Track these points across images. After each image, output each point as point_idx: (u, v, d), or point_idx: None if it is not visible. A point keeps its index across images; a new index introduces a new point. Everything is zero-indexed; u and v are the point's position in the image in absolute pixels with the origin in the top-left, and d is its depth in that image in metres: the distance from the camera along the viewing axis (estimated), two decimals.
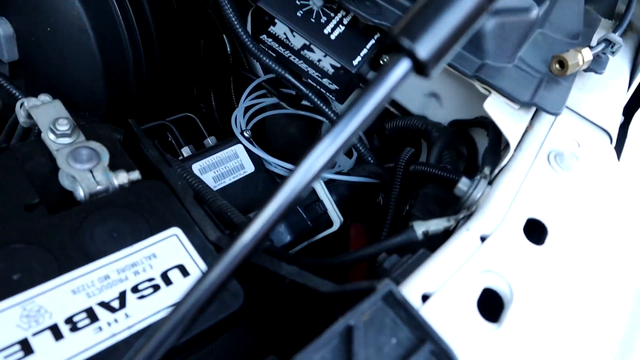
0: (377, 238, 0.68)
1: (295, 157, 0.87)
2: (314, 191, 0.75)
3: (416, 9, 0.32)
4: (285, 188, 0.32)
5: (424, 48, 0.31)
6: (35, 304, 0.44)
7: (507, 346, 0.42)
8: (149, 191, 0.55)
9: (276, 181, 0.88)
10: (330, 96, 0.74)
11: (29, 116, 0.62)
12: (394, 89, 0.32)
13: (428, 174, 0.66)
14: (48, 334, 0.42)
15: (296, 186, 0.32)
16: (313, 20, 0.67)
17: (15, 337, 0.41)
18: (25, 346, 0.41)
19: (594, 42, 0.70)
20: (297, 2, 0.68)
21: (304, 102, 0.96)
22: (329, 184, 0.77)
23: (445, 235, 0.54)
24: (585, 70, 0.67)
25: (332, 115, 0.77)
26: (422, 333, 0.38)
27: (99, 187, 0.54)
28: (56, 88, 0.86)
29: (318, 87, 0.74)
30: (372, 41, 0.67)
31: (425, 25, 0.31)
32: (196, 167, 0.82)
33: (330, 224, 0.75)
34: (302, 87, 0.75)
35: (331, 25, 0.67)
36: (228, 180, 0.83)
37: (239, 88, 1.10)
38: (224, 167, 0.83)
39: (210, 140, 0.91)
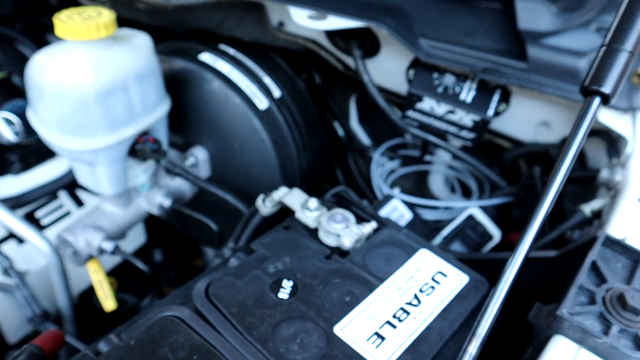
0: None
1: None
2: (472, 217, 0.98)
3: (595, 67, 0.56)
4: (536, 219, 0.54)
5: (608, 88, 0.55)
6: (369, 311, 0.66)
7: None
8: (394, 232, 0.78)
9: (427, 222, 1.11)
10: (467, 144, 0.99)
11: (274, 206, 0.87)
12: (594, 119, 0.56)
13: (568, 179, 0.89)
14: (387, 327, 0.64)
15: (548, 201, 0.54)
16: (450, 92, 0.93)
17: (371, 331, 0.63)
18: (379, 336, 0.63)
19: None
20: (434, 81, 0.94)
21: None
22: (482, 208, 0.99)
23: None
24: None
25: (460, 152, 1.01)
26: (636, 256, 0.60)
27: (356, 237, 0.77)
28: (241, 190, 1.11)
29: (456, 138, 0.99)
30: (496, 95, 0.92)
31: (605, 75, 0.55)
32: None
33: (490, 237, 0.98)
34: (440, 142, 1.00)
35: (465, 91, 0.93)
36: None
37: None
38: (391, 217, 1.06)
39: (366, 202, 1.16)
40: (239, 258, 0.72)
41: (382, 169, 1.26)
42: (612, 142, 0.85)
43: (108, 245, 0.93)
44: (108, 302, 1.01)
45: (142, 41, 0.94)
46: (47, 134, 0.90)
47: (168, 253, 1.54)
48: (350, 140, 1.38)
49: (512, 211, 1.06)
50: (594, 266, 0.59)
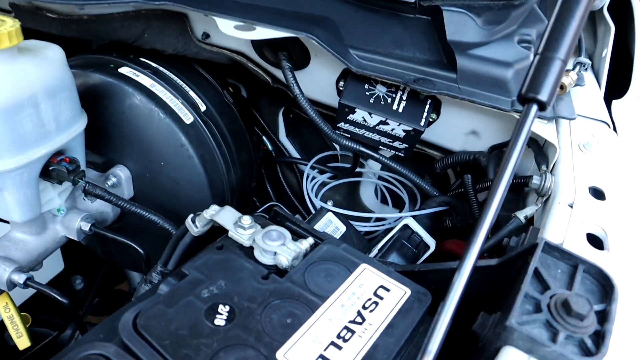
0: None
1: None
2: (408, 227, 0.97)
3: (531, 75, 0.56)
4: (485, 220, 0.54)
5: (544, 95, 0.55)
6: (312, 332, 0.63)
7: (617, 266, 0.65)
8: (333, 247, 0.75)
9: (361, 234, 1.09)
10: (399, 154, 0.98)
11: (205, 225, 0.82)
12: (532, 124, 0.56)
13: None
14: (332, 348, 0.61)
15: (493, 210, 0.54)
16: (382, 103, 0.92)
17: (315, 354, 0.60)
18: (324, 358, 0.60)
19: (571, 67, 0.98)
20: (366, 92, 0.92)
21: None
22: (415, 218, 0.99)
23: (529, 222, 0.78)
24: (574, 86, 0.94)
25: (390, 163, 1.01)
26: (574, 261, 0.60)
27: (294, 254, 0.74)
28: (168, 210, 1.05)
29: (388, 149, 0.98)
30: (427, 105, 0.92)
31: (541, 83, 0.55)
32: None
33: (427, 247, 0.97)
34: (373, 154, 0.99)
35: (396, 102, 0.92)
36: None
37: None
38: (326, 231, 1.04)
39: (299, 217, 1.13)
40: (169, 284, 0.67)
41: (313, 182, 1.24)
42: (540, 150, 0.87)
43: (20, 278, 0.84)
44: (21, 340, 0.91)
45: (52, 53, 0.87)
46: None
47: (89, 279, 1.43)
48: (279, 154, 1.35)
49: (445, 220, 1.06)
50: (537, 273, 0.59)
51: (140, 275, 1.46)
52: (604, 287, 0.59)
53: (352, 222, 1.07)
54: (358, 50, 0.90)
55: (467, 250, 0.52)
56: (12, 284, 0.85)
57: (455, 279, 0.52)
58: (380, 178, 1.30)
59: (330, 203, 1.17)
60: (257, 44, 1.00)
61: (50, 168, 0.86)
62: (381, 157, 0.98)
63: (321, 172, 1.29)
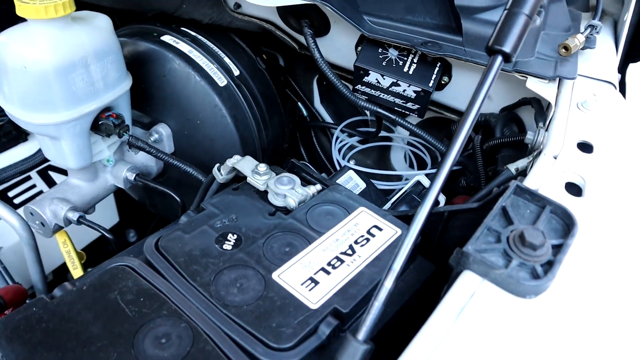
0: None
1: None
2: (420, 183, 1.04)
3: (497, 28, 0.62)
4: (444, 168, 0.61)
5: (508, 47, 0.61)
6: (306, 259, 0.72)
7: (590, 211, 0.70)
8: (336, 193, 0.84)
9: (380, 191, 1.17)
10: (413, 114, 1.05)
11: (228, 173, 0.92)
12: (496, 75, 0.62)
13: (500, 144, 0.95)
14: (322, 273, 0.70)
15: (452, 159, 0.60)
16: (394, 65, 0.99)
17: (306, 276, 0.69)
18: (313, 280, 0.69)
19: (582, 30, 1.00)
20: (379, 56, 1.00)
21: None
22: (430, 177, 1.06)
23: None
24: (583, 49, 0.97)
25: (410, 126, 1.07)
26: (543, 202, 0.66)
27: (301, 197, 0.83)
28: (204, 165, 1.16)
29: (402, 110, 1.05)
30: (437, 68, 0.99)
31: (506, 36, 0.61)
32: None
33: (437, 202, 1.04)
34: (390, 115, 1.06)
35: (407, 64, 0.99)
36: None
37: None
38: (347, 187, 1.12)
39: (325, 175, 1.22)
40: (188, 216, 0.78)
41: (342, 145, 1.32)
42: (540, 109, 0.92)
43: (74, 216, 0.98)
44: (76, 271, 1.06)
45: (101, 21, 0.99)
46: (12, 110, 0.94)
47: (141, 232, 1.59)
48: (313, 120, 1.44)
49: (460, 180, 1.12)
50: (504, 211, 0.65)
51: None
52: (568, 226, 0.65)
53: (375, 182, 1.14)
54: (371, 16, 0.97)
55: (434, 179, 0.60)
56: (67, 221, 1.00)
57: (420, 206, 0.59)
58: (407, 143, 1.37)
59: (352, 162, 1.25)
60: (282, 12, 1.09)
61: (100, 122, 0.99)
62: (400, 120, 1.05)
63: (351, 137, 1.37)
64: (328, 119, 1.46)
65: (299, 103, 1.43)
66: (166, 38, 1.14)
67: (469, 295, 0.59)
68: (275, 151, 1.27)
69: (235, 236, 0.74)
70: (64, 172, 1.36)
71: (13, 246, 1.19)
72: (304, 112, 1.43)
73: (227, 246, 0.72)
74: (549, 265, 0.60)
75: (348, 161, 1.32)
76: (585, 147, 0.79)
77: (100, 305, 0.63)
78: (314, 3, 0.95)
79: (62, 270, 1.31)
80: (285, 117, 1.29)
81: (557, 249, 0.62)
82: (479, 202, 0.86)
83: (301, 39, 1.17)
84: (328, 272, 0.70)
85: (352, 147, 1.36)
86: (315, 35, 1.07)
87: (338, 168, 1.27)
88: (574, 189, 0.73)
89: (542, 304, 0.57)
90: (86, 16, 0.98)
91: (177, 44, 1.13)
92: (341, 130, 1.34)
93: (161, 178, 1.23)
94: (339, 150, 1.29)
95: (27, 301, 0.76)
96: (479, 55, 0.92)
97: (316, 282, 0.68)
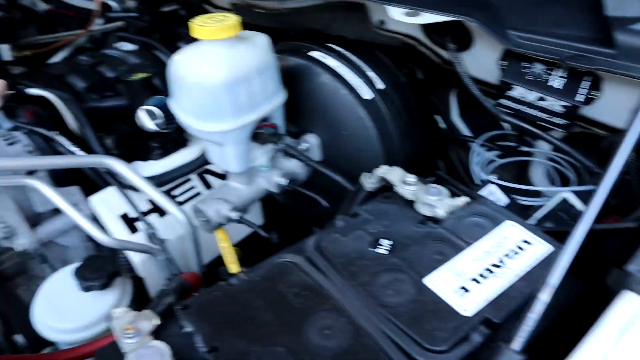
0: None
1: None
2: (566, 200, 1.03)
3: None
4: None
5: None
6: (457, 268, 0.75)
7: None
8: (483, 205, 0.86)
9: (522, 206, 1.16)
10: (559, 130, 1.04)
11: (377, 182, 0.97)
12: None
13: None
14: (472, 282, 0.72)
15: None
16: (541, 80, 0.99)
17: (457, 284, 0.72)
18: (464, 289, 0.72)
19: None
20: (524, 70, 1.00)
21: None
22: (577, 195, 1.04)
23: None
24: None
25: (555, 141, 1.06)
26: None
27: (449, 208, 0.86)
28: (347, 174, 1.23)
29: (547, 125, 1.04)
30: (586, 82, 0.97)
31: None
32: None
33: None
34: (534, 129, 1.06)
35: (554, 79, 0.98)
36: None
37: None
38: None
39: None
40: (344, 220, 0.84)
41: (480, 158, 1.32)
42: None
43: (235, 215, 1.09)
44: (233, 266, 1.17)
45: (261, 40, 1.09)
46: (186, 119, 1.07)
47: (283, 236, 1.70)
48: (451, 132, 1.46)
49: (609, 199, 1.08)
50: None
51: None
52: None
53: (517, 198, 1.14)
54: (516, 30, 0.97)
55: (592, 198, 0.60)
56: (228, 219, 1.11)
57: (579, 223, 0.60)
58: (548, 158, 1.33)
59: (494, 177, 1.25)
60: (426, 28, 1.13)
61: (258, 131, 1.09)
62: (544, 134, 1.05)
63: (490, 151, 1.37)
64: (466, 132, 1.47)
65: (437, 116, 1.46)
66: (315, 54, 1.23)
67: (631, 316, 0.58)
68: (416, 163, 1.30)
69: (389, 242, 0.79)
70: (219, 176, 1.49)
71: (176, 239, 1.33)
72: (442, 125, 1.46)
73: (382, 250, 0.77)
74: None
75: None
76: None
77: (271, 295, 0.71)
78: (459, 20, 0.98)
79: (215, 264, 1.44)
80: (425, 130, 1.32)
81: None
82: (637, 221, 0.83)
83: (443, 53, 1.20)
84: (478, 282, 0.72)
85: (490, 162, 1.36)
86: (459, 49, 1.10)
87: (477, 182, 1.28)
88: None
89: None
90: (248, 36, 1.09)
91: (325, 59, 1.21)
92: (480, 145, 1.35)
93: (306, 184, 1.32)
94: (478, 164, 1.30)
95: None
96: (635, 68, 0.89)
97: (467, 290, 0.71)
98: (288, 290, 0.71)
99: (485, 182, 1.15)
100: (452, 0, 1.01)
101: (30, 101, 1.45)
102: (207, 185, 1.47)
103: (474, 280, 0.73)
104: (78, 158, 1.29)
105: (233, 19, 1.00)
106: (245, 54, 1.03)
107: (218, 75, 0.99)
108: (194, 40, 1.03)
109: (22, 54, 1.75)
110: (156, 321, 0.68)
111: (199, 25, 0.99)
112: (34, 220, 1.38)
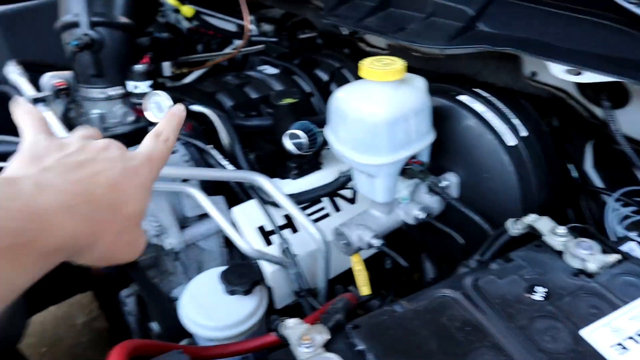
0: None
1: None
2: None
3: None
4: None
5: None
6: (614, 324, 0.77)
7: None
8: (637, 266, 0.88)
9: None
10: None
11: (523, 228, 1.01)
12: None
13: None
14: (631, 341, 0.75)
15: None
16: None
17: (614, 340, 0.75)
18: (622, 346, 0.74)
19: None
20: None
21: None
22: None
23: None
24: None
25: None
26: None
27: (601, 264, 0.88)
28: (485, 215, 1.27)
29: None
30: None
31: None
32: None
33: None
34: None
35: None
36: None
37: None
38: None
39: None
40: (499, 263, 0.89)
41: (617, 213, 1.32)
42: None
43: (377, 242, 1.17)
44: (364, 288, 1.25)
45: (419, 82, 1.18)
46: (341, 149, 1.17)
47: (396, 264, 1.76)
48: (584, 182, 1.46)
49: None
50: None
51: (433, 267, 1.71)
52: None
53: None
54: None
55: None
56: (369, 245, 1.19)
57: None
58: None
59: (635, 234, 1.24)
60: (582, 85, 1.15)
61: (406, 167, 1.17)
62: None
63: (625, 206, 1.36)
64: (598, 183, 1.47)
65: (570, 165, 1.46)
66: (463, 98, 1.29)
67: None
68: (548, 210, 1.32)
69: (544, 289, 0.83)
70: (348, 200, 1.58)
71: (307, 255, 1.43)
72: (574, 174, 1.46)
73: (537, 297, 0.81)
74: None
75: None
76: None
77: (434, 326, 0.77)
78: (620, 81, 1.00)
79: (334, 282, 1.53)
80: (560, 178, 1.34)
81: None
82: None
83: (593, 108, 1.22)
84: (637, 342, 0.75)
85: (626, 217, 1.35)
86: (613, 107, 1.12)
87: (611, 237, 1.28)
88: None
89: None
90: (409, 78, 1.17)
91: (473, 103, 1.27)
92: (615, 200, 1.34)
93: (438, 218, 1.37)
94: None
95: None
96: None
97: (625, 348, 0.74)
98: (450, 323, 0.77)
99: (624, 239, 1.15)
100: (613, 60, 1.03)
101: (189, 115, 1.62)
102: (337, 208, 1.56)
103: (632, 339, 0.75)
104: (233, 172, 1.43)
105: (400, 64, 1.08)
106: (406, 96, 1.11)
107: (381, 115, 1.08)
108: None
109: (181, 71, 1.95)
110: (327, 335, 0.76)
111: (368, 67, 1.08)
112: (182, 222, 1.54)
